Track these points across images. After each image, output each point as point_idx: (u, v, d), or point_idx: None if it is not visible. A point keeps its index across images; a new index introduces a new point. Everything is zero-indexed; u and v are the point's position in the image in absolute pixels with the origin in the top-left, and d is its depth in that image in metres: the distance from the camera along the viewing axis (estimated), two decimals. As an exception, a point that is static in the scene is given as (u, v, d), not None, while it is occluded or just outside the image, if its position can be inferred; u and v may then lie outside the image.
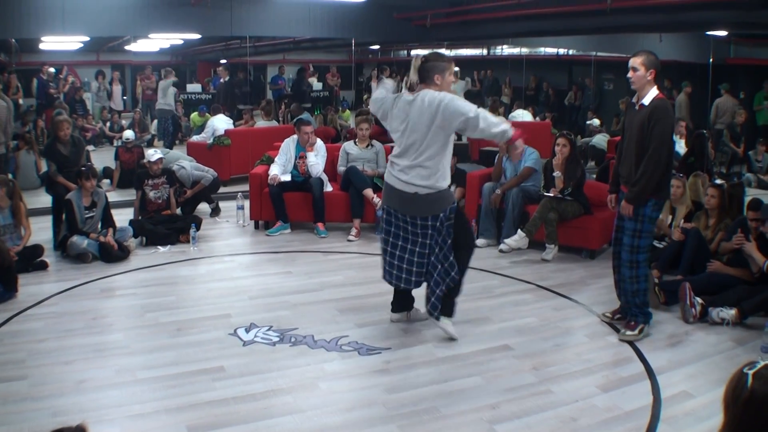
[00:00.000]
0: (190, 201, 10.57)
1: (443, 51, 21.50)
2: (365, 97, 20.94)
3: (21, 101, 15.56)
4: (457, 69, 15.74)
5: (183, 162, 10.82)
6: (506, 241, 8.56)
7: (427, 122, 5.46)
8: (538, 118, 17.91)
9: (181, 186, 10.39)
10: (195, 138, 14.19)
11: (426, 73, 5.55)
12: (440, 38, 18.12)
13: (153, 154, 9.68)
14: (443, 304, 5.85)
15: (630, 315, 6.14)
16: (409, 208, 5.68)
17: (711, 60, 14.25)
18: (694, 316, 6.42)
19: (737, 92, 16.24)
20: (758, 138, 14.80)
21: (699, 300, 6.48)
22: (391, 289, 6.23)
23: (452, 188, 9.52)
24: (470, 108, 5.43)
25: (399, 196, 5.68)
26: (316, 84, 20.63)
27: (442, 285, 5.76)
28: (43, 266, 7.86)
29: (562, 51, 20.69)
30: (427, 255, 5.76)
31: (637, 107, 5.86)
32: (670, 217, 8.16)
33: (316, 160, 9.58)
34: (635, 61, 5.76)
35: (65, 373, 5.29)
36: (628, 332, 6.03)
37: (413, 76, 5.62)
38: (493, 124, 5.45)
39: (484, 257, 8.56)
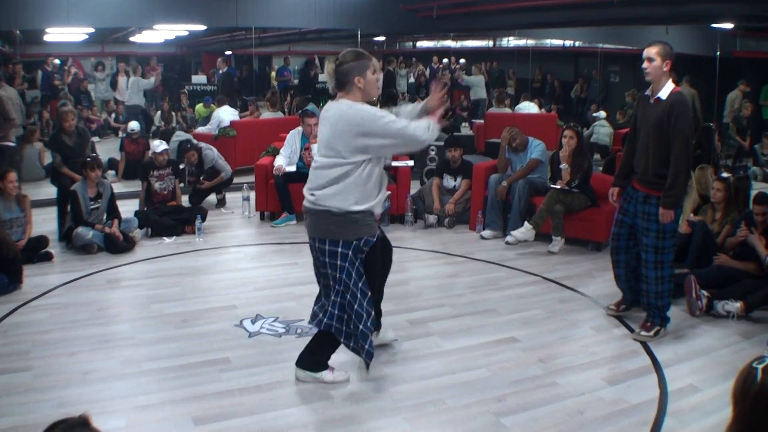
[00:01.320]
0: (202, 191, 10.64)
1: (450, 42, 21.61)
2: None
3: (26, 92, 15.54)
4: (462, 61, 15.58)
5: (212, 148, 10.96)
6: (513, 233, 8.55)
7: (335, 133, 4.66)
8: (543, 110, 17.88)
9: (199, 168, 10.54)
10: (201, 129, 14.19)
11: (344, 77, 4.67)
12: (446, 29, 18.09)
13: (158, 145, 9.68)
14: (318, 358, 5.08)
15: (648, 315, 6.06)
16: (315, 228, 4.81)
17: (718, 53, 14.19)
18: (700, 309, 6.40)
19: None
20: (764, 131, 14.73)
21: (705, 293, 6.45)
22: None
23: (458, 180, 9.61)
24: (393, 126, 4.62)
25: (309, 212, 4.83)
26: (321, 75, 20.59)
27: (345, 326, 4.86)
28: (48, 257, 7.86)
29: (568, 43, 20.63)
30: (336, 291, 4.78)
31: (652, 101, 5.72)
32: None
33: (322, 152, 9.48)
34: (651, 51, 5.60)
35: (70, 364, 5.28)
36: (643, 332, 5.96)
37: (330, 81, 4.77)
38: (419, 137, 4.66)
39: (491, 249, 8.56)
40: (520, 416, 4.61)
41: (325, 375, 5.05)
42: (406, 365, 5.34)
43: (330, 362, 5.09)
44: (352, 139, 4.58)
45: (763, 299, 6.34)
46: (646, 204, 5.79)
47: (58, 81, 17.29)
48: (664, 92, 5.62)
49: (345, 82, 4.68)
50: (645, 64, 5.64)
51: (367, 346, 4.78)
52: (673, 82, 5.69)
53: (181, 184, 10.13)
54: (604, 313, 6.47)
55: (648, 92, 5.81)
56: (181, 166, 10.51)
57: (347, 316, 4.77)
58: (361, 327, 4.73)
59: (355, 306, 4.70)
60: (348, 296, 4.71)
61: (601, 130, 15.30)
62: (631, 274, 6.27)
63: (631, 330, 6.08)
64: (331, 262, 4.70)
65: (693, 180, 8.26)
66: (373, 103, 5.05)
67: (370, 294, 4.79)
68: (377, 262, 5.00)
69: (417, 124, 4.67)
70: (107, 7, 13.41)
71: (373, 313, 4.81)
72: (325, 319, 4.83)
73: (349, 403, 4.76)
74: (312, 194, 4.74)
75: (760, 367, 2.36)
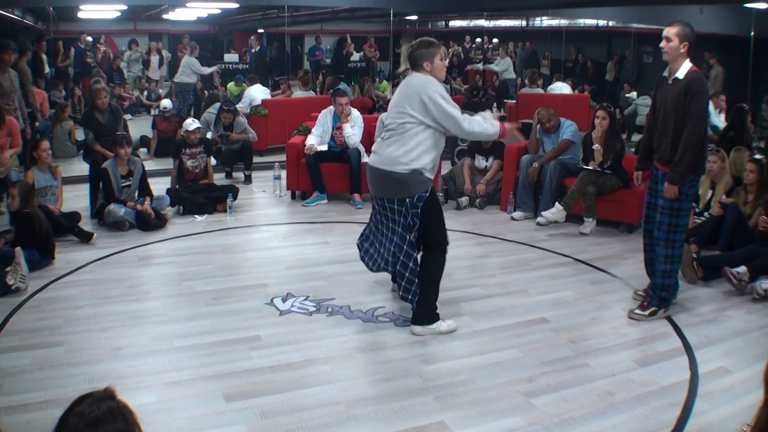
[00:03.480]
0: (231, 155, 11.01)
1: (483, 21, 21.49)
2: (402, 68, 20.82)
3: (47, 69, 15.58)
4: (495, 40, 15.47)
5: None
6: (543, 213, 8.52)
7: (403, 101, 5.39)
8: (576, 91, 17.74)
9: (230, 130, 11.03)
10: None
11: (415, 61, 5.47)
12: (479, 9, 17.95)
13: (191, 123, 9.71)
14: (419, 311, 5.58)
15: (647, 294, 6.08)
16: (376, 189, 5.57)
17: (753, 33, 13.96)
18: (743, 283, 6.45)
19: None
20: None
21: (741, 270, 6.46)
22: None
23: (489, 161, 9.57)
24: (455, 113, 5.33)
25: (371, 176, 5.57)
26: (354, 55, 20.55)
27: (405, 278, 5.52)
28: (88, 237, 7.84)
29: (601, 23, 20.41)
30: (389, 240, 5.59)
31: (670, 81, 5.68)
32: (710, 192, 8.06)
33: (353, 131, 9.56)
34: (669, 31, 5.56)
35: (102, 339, 5.33)
36: (638, 311, 5.98)
37: (404, 63, 5.65)
38: (481, 131, 5.51)
39: (522, 230, 8.55)
40: (551, 396, 4.60)
41: (440, 326, 5.57)
42: (436, 345, 5.35)
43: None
44: (415, 98, 5.28)
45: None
46: (664, 182, 5.75)
47: (91, 59, 17.35)
48: (682, 72, 5.58)
49: (416, 65, 5.47)
50: (663, 44, 5.61)
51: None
52: (691, 62, 5.64)
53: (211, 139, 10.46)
54: (635, 295, 6.43)
55: (666, 73, 5.77)
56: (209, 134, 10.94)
57: (398, 260, 5.49)
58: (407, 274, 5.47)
59: (405, 248, 5.45)
60: (404, 245, 5.45)
61: (646, 110, 15.18)
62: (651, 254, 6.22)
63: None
64: (391, 216, 5.47)
65: (728, 162, 8.18)
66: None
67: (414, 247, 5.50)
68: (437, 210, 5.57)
69: (475, 119, 5.46)
70: (140, -17, 13.44)
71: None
72: (382, 264, 5.70)
73: (380, 382, 4.78)
74: (376, 154, 5.48)
75: None
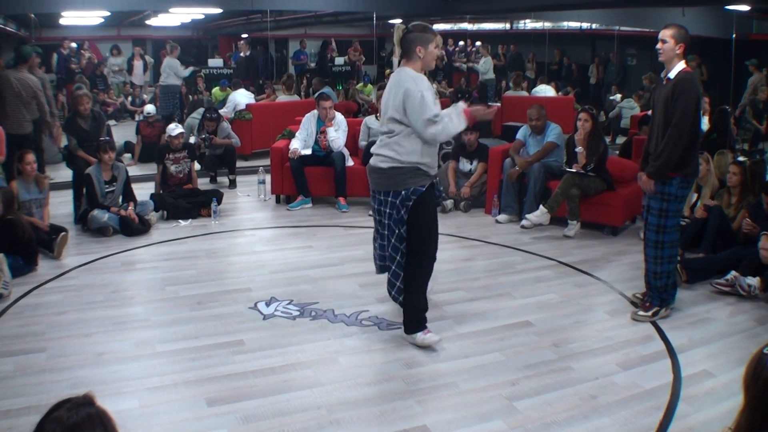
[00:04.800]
0: (215, 160, 11.07)
1: (466, 24, 21.52)
2: (387, 71, 20.88)
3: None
4: (478, 43, 15.44)
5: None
6: (528, 216, 8.50)
7: (391, 108, 5.25)
8: (561, 93, 17.79)
9: (210, 135, 11.03)
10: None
11: (408, 45, 5.25)
12: (462, 12, 18.01)
13: (174, 128, 9.70)
14: (405, 318, 5.49)
15: (647, 296, 6.08)
16: (373, 182, 5.44)
17: (734, 35, 14.08)
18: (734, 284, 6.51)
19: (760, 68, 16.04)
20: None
21: (729, 277, 6.53)
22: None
23: (474, 164, 9.58)
24: (426, 113, 5.09)
25: (370, 171, 5.47)
26: (338, 59, 20.57)
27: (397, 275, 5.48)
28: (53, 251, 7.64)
29: (585, 25, 20.50)
30: (386, 237, 5.45)
31: (664, 82, 5.77)
32: (696, 195, 8.08)
33: (337, 135, 9.57)
34: (665, 34, 5.63)
35: (84, 345, 5.32)
36: (641, 312, 5.99)
37: (396, 48, 5.40)
38: (441, 131, 5.19)
39: (506, 233, 8.55)
40: (533, 400, 4.60)
41: (417, 337, 5.38)
42: (419, 349, 5.33)
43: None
44: (400, 100, 5.15)
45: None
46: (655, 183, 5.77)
47: (75, 65, 17.32)
48: (673, 72, 5.65)
49: (408, 50, 5.27)
50: (659, 45, 5.68)
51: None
52: (686, 63, 5.71)
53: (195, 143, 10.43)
54: (620, 298, 6.44)
55: (663, 74, 5.84)
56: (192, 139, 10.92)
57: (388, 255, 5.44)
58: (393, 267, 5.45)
59: (400, 248, 5.37)
60: (393, 240, 5.35)
61: (630, 112, 15.24)
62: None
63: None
64: (385, 211, 5.35)
65: (712, 165, 8.20)
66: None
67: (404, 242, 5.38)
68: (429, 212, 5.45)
69: (440, 126, 5.15)
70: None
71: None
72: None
73: (362, 386, 4.77)
74: (374, 156, 5.38)
75: None
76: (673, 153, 5.58)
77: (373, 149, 5.46)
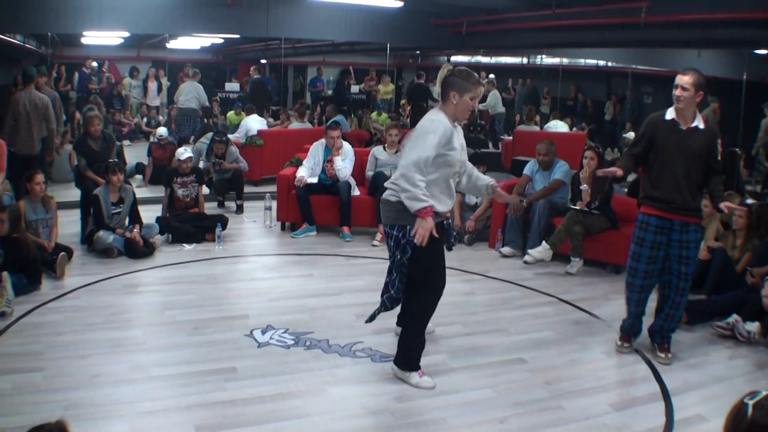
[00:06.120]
0: (224, 184, 11.20)
1: (481, 57, 21.60)
2: (403, 102, 20.97)
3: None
4: (491, 76, 15.44)
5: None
6: (530, 251, 8.52)
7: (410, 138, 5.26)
8: (575, 129, 17.81)
9: (220, 158, 11.21)
10: (230, 137, 14.27)
11: (446, 88, 5.14)
12: (476, 45, 18.10)
13: (183, 152, 9.78)
14: (399, 354, 5.41)
15: (665, 338, 6.03)
16: (384, 216, 5.30)
17: (745, 77, 14.09)
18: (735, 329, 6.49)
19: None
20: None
21: (730, 320, 6.53)
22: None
23: (479, 197, 9.60)
24: (418, 153, 4.95)
25: (382, 206, 5.33)
26: (354, 86, 20.70)
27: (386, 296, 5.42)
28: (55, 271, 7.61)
29: (601, 63, 20.56)
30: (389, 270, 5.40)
31: (684, 128, 5.63)
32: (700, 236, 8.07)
33: (344, 165, 9.62)
34: (686, 81, 5.51)
35: (81, 366, 5.35)
36: (670, 355, 5.97)
37: (437, 86, 5.28)
38: (407, 186, 4.95)
39: (508, 268, 8.57)
40: (521, 438, 4.60)
41: (412, 377, 5.31)
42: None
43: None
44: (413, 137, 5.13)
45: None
46: (684, 232, 5.71)
47: (94, 84, 17.49)
48: (699, 121, 5.61)
49: (444, 93, 5.16)
50: (678, 92, 5.54)
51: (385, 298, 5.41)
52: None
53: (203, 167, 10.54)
54: (618, 337, 6.36)
55: (672, 117, 5.67)
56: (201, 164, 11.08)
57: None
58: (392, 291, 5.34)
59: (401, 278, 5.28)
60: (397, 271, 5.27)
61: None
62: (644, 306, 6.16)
63: (642, 354, 6.05)
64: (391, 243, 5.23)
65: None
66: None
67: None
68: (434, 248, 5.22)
69: (413, 190, 4.94)
70: (139, 13, 13.60)
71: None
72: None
73: (349, 418, 4.79)
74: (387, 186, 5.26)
75: (751, 402, 2.35)
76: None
77: (387, 184, 5.31)
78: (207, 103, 15.81)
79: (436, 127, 5.02)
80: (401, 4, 13.68)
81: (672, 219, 5.73)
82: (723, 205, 5.62)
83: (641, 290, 6.01)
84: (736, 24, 10.59)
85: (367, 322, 5.56)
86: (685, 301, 5.89)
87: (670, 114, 5.69)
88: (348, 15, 15.39)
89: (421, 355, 5.39)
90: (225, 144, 11.28)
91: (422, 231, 4.91)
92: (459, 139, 5.25)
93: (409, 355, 5.35)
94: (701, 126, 5.59)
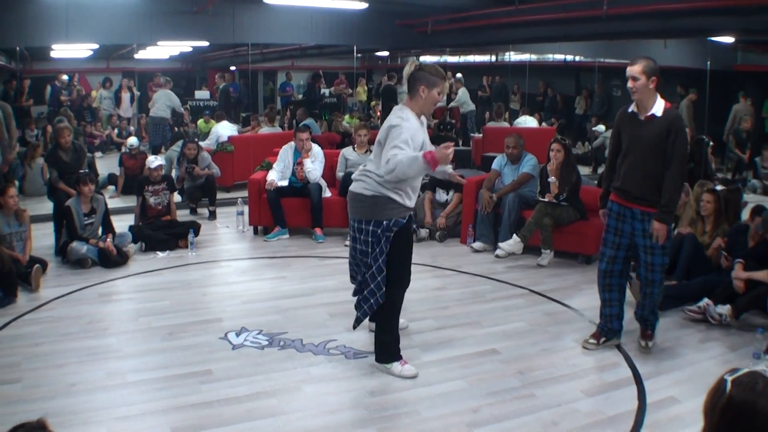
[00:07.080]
0: (196, 191, 11.24)
1: (448, 57, 21.67)
2: (373, 103, 21.04)
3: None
4: (459, 75, 15.45)
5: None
6: (501, 245, 8.60)
7: (380, 136, 5.26)
8: (545, 124, 17.90)
9: (194, 163, 11.21)
10: (201, 144, 14.27)
11: (413, 83, 5.22)
12: (442, 45, 18.16)
13: (153, 160, 9.79)
14: (377, 349, 5.54)
15: (648, 325, 6.05)
16: (354, 210, 5.36)
17: (709, 65, 14.23)
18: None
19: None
20: (764, 144, 14.76)
21: (701, 304, 6.65)
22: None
23: (450, 194, 9.68)
24: (396, 143, 5.03)
25: (350, 198, 5.42)
26: (324, 90, 20.71)
27: (367, 305, 5.44)
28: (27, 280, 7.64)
29: (569, 57, 20.64)
30: (358, 263, 5.48)
31: (642, 117, 5.59)
32: (673, 224, 8.15)
33: (314, 167, 9.66)
34: (635, 70, 5.47)
35: (58, 376, 5.37)
36: (650, 342, 6.02)
37: (404, 80, 5.34)
38: (397, 167, 4.99)
39: (480, 262, 8.64)
40: (494, 427, 4.66)
41: (394, 367, 5.44)
42: (383, 377, 5.41)
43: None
44: (384, 136, 5.17)
45: (750, 303, 6.44)
46: (646, 221, 5.68)
47: (66, 97, 17.43)
48: (658, 109, 5.52)
49: (412, 88, 5.25)
50: (630, 84, 5.52)
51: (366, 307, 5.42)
52: (662, 97, 5.60)
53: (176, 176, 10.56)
54: (589, 325, 6.47)
55: (633, 109, 5.68)
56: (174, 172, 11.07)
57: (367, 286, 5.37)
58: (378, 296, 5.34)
59: (378, 278, 5.29)
60: (373, 270, 5.28)
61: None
62: (623, 298, 6.14)
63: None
64: (363, 239, 5.28)
65: (692, 196, 8.26)
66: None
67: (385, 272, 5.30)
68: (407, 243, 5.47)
69: (403, 163, 4.97)
70: (106, 24, 13.54)
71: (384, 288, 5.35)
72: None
73: (324, 414, 4.83)
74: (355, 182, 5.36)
75: (730, 378, 2.36)
76: (678, 193, 5.64)
77: (354, 176, 5.45)
78: (181, 109, 15.82)
79: (408, 126, 5.12)
80: (366, 5, 13.74)
81: (632, 208, 5.75)
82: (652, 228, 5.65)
83: (605, 275, 6.03)
84: (696, 13, 10.70)
85: (354, 328, 5.75)
86: (658, 291, 5.88)
87: (632, 106, 5.70)
88: (313, 18, 15.41)
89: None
90: (196, 145, 11.33)
91: (446, 153, 4.98)
92: (423, 135, 5.31)
93: (390, 347, 5.47)
94: (658, 114, 5.51)
